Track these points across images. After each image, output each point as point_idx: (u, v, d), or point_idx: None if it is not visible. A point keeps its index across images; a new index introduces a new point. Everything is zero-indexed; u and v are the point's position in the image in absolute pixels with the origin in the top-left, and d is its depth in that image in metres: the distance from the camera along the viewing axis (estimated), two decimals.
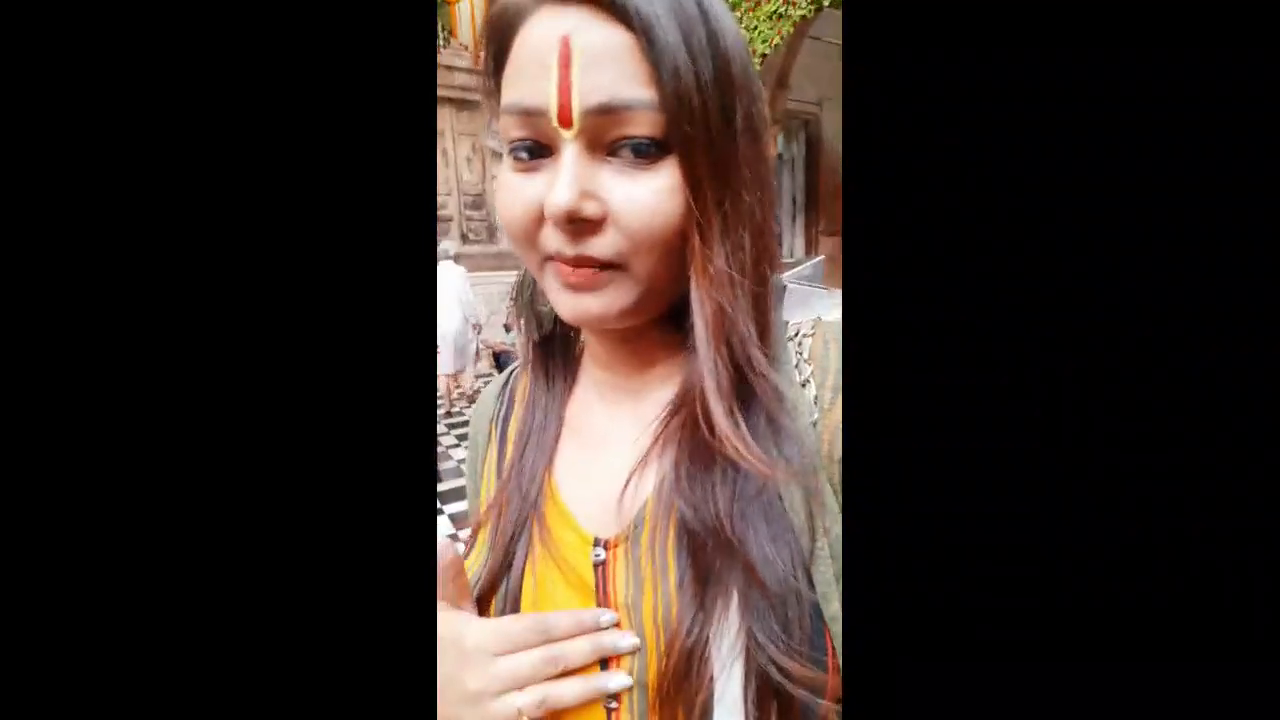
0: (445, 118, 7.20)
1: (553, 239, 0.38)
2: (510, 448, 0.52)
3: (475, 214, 7.49)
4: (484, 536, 0.49)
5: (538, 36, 0.36)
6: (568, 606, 0.44)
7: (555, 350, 0.51)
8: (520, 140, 0.38)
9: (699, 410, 0.39)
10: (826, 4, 4.80)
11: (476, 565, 0.48)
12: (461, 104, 7.17)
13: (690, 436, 0.40)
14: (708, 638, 0.37)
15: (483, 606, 0.48)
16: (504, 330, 5.39)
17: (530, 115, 0.36)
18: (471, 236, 7.41)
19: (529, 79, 0.36)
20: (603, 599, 0.43)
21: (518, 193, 0.38)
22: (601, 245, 0.37)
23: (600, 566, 0.44)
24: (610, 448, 0.47)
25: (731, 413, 0.39)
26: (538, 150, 0.37)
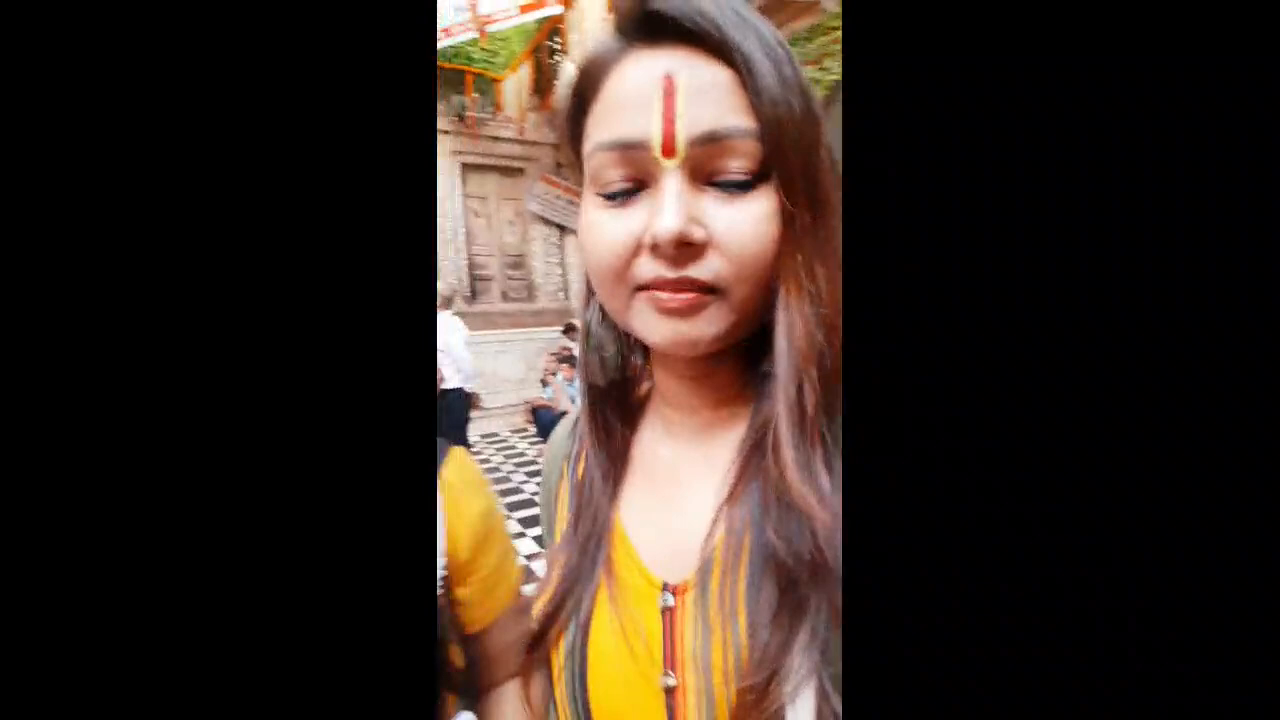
0: (489, 184, 7.57)
1: (649, 268, 0.39)
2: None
3: (515, 274, 7.75)
4: (554, 580, 0.48)
5: (634, 76, 0.39)
6: (634, 654, 0.43)
7: (615, 395, 0.50)
8: (612, 182, 0.39)
9: (771, 436, 0.40)
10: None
11: (546, 609, 0.48)
12: (506, 171, 7.56)
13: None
14: (779, 682, 0.36)
15: (549, 653, 0.47)
16: (541, 385, 5.49)
17: (629, 149, 0.38)
18: (511, 295, 7.64)
19: (627, 115, 0.38)
20: (669, 646, 0.42)
21: (611, 228, 0.39)
22: (703, 269, 0.38)
23: (668, 612, 0.43)
24: (679, 489, 0.46)
25: (801, 442, 0.39)
26: (630, 189, 0.39)
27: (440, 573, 0.54)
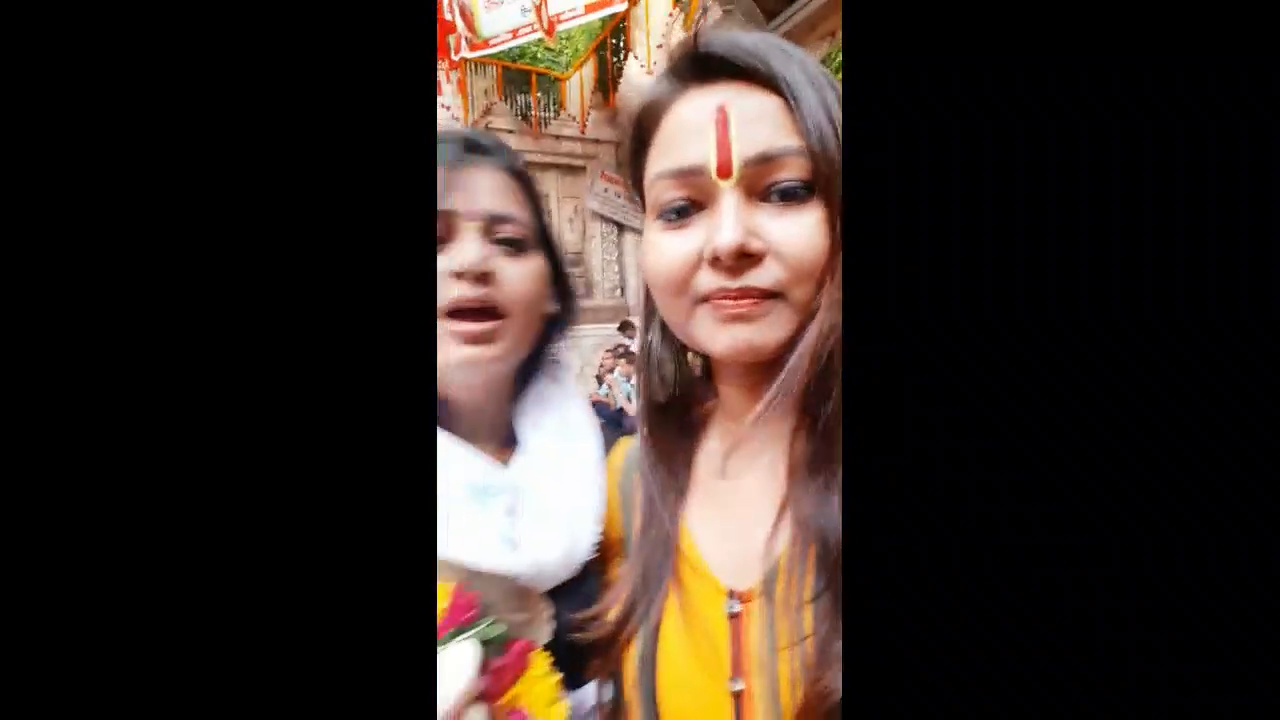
0: (551, 182, 7.69)
1: (710, 280, 0.42)
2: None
3: (574, 270, 7.83)
4: (625, 588, 0.51)
5: (690, 111, 0.43)
6: (702, 660, 0.44)
7: (676, 411, 0.53)
8: (673, 201, 0.43)
9: (813, 434, 0.42)
10: None
11: (617, 616, 0.50)
12: (567, 169, 7.66)
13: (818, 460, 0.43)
14: (837, 674, 0.37)
15: (620, 662, 0.49)
16: (596, 382, 5.55)
17: (688, 174, 0.42)
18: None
19: (685, 145, 0.42)
20: (736, 651, 0.43)
21: (672, 247, 0.43)
22: (763, 276, 0.41)
23: (735, 618, 0.44)
24: (742, 498, 0.48)
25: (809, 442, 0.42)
26: (689, 208, 0.43)
27: (594, 539, 0.57)
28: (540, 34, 5.28)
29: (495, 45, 5.56)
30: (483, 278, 0.53)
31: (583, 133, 7.37)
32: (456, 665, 0.41)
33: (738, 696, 0.42)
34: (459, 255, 0.53)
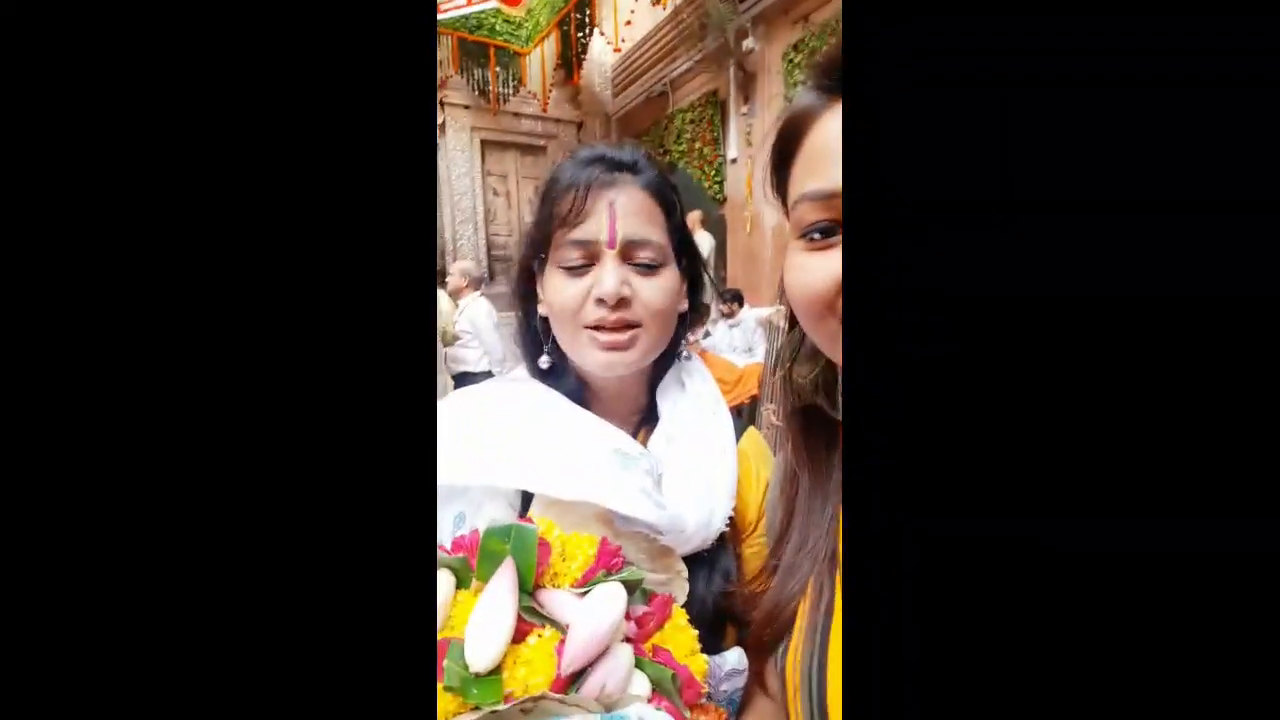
0: (510, 161, 7.38)
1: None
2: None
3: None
4: (777, 585, 0.53)
5: (837, 128, 0.40)
6: None
7: (818, 417, 0.53)
8: (818, 223, 0.42)
9: None
10: None
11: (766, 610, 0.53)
12: (527, 149, 7.36)
13: None
14: None
15: (785, 672, 0.51)
16: None
17: (835, 198, 0.41)
18: None
19: (833, 167, 0.40)
20: None
21: (818, 266, 0.42)
22: None
23: None
24: None
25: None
26: (834, 228, 0.42)
27: (728, 513, 0.62)
28: (495, 4, 5.02)
29: (447, 10, 5.25)
30: (621, 302, 0.58)
31: (544, 111, 7.08)
32: (605, 602, 0.44)
33: None
34: (600, 285, 0.57)
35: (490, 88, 6.71)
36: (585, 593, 0.45)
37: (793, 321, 0.52)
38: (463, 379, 4.15)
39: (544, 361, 0.64)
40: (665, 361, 0.68)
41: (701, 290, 0.69)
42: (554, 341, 0.64)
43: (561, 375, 0.65)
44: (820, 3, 4.40)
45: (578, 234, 0.58)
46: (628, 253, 0.59)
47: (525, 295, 0.66)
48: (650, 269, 0.60)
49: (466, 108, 6.81)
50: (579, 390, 0.65)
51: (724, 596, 0.60)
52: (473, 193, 6.97)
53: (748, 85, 5.17)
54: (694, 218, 5.57)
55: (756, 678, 0.58)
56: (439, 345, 4.05)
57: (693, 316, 0.68)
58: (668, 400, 0.67)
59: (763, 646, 0.54)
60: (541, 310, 0.64)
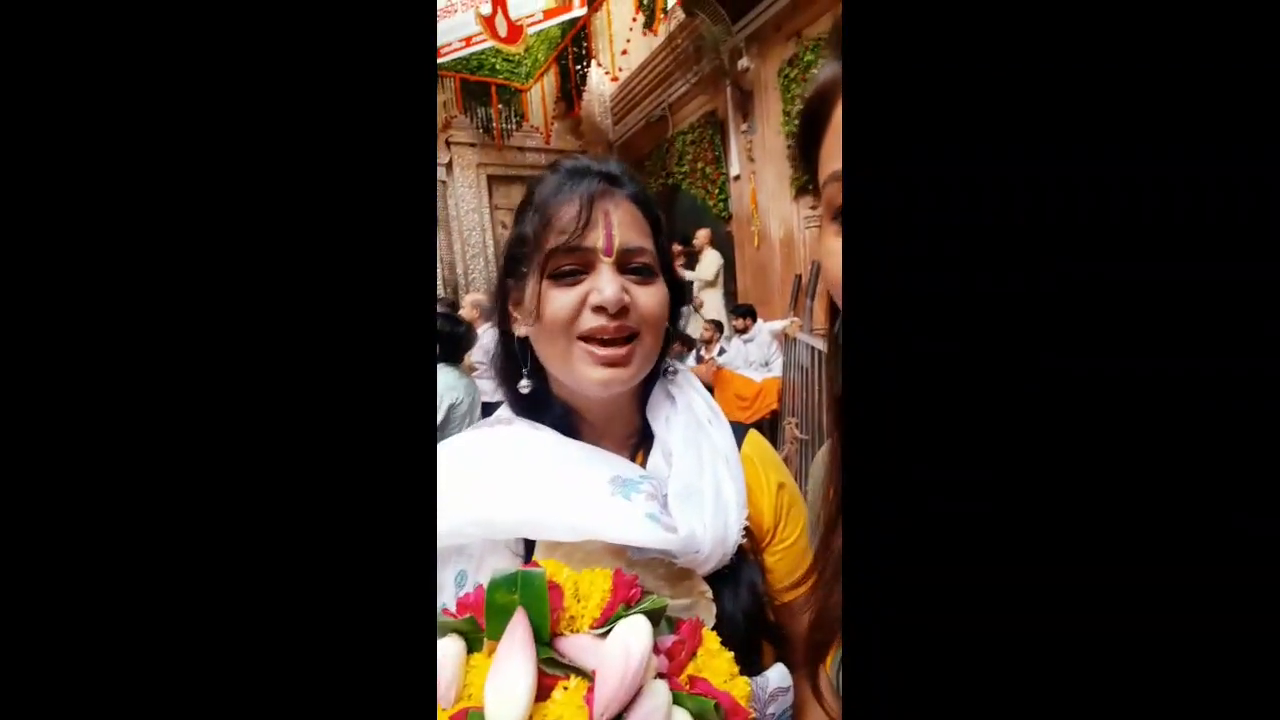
0: (516, 194, 7.47)
1: None
2: None
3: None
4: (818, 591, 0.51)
5: None
6: None
7: None
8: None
9: None
10: None
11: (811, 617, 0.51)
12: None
13: None
14: None
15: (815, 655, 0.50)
16: None
17: None
18: None
19: None
20: None
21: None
22: None
23: None
24: None
25: None
26: None
27: (742, 525, 0.60)
28: (493, 42, 5.15)
29: (446, 54, 5.39)
30: (621, 311, 0.57)
31: (547, 143, 7.20)
32: (629, 638, 0.41)
33: None
34: (599, 292, 0.56)
35: (494, 124, 6.85)
36: (606, 632, 0.42)
37: (834, 312, 0.49)
38: (485, 408, 4.19)
39: (524, 385, 0.62)
40: (651, 379, 0.66)
41: (681, 304, 0.67)
42: (534, 364, 0.61)
43: (546, 403, 0.63)
44: (811, 19, 4.46)
45: (573, 243, 0.57)
46: (623, 260, 0.58)
47: (505, 315, 0.64)
48: (645, 277, 0.60)
49: (472, 145, 6.95)
50: (566, 418, 0.63)
51: (756, 610, 0.57)
52: (481, 227, 7.08)
53: (745, 103, 5.22)
54: (702, 236, 5.60)
55: (811, 690, 0.54)
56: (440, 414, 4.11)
57: (673, 331, 0.67)
58: (659, 417, 0.65)
59: (815, 655, 0.51)
60: (519, 330, 0.62)
